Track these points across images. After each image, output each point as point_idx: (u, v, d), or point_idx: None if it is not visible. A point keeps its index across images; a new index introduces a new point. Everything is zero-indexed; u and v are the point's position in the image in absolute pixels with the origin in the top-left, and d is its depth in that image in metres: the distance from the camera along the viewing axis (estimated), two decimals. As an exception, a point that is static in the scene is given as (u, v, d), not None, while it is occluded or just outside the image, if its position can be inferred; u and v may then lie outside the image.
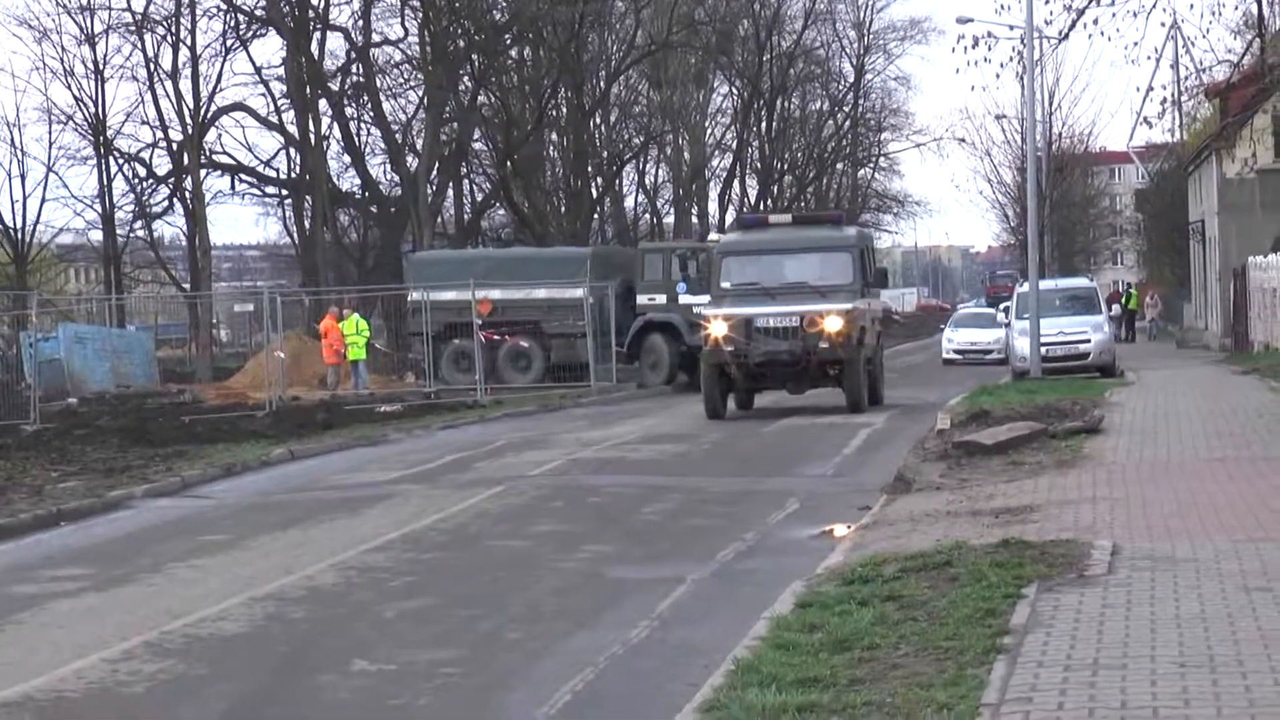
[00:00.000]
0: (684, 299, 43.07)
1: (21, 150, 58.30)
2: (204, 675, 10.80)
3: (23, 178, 58.11)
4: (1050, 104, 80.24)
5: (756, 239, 33.20)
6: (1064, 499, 15.93)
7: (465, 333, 41.86)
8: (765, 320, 30.79)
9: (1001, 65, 29.34)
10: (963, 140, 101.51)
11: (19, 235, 56.96)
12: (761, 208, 79.98)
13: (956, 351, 54.22)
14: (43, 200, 58.15)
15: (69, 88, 58.63)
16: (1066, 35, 28.84)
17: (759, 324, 30.78)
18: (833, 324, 30.48)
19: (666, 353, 44.00)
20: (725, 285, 31.81)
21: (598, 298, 42.88)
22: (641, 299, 44.38)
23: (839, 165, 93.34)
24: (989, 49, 28.07)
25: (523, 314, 44.03)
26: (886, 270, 37.33)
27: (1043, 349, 37.38)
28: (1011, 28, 35.94)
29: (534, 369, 44.19)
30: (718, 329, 30.71)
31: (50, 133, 58.88)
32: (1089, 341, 40.65)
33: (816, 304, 30.81)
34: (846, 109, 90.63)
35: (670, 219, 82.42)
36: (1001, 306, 57.20)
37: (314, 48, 58.90)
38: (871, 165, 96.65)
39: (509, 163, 61.69)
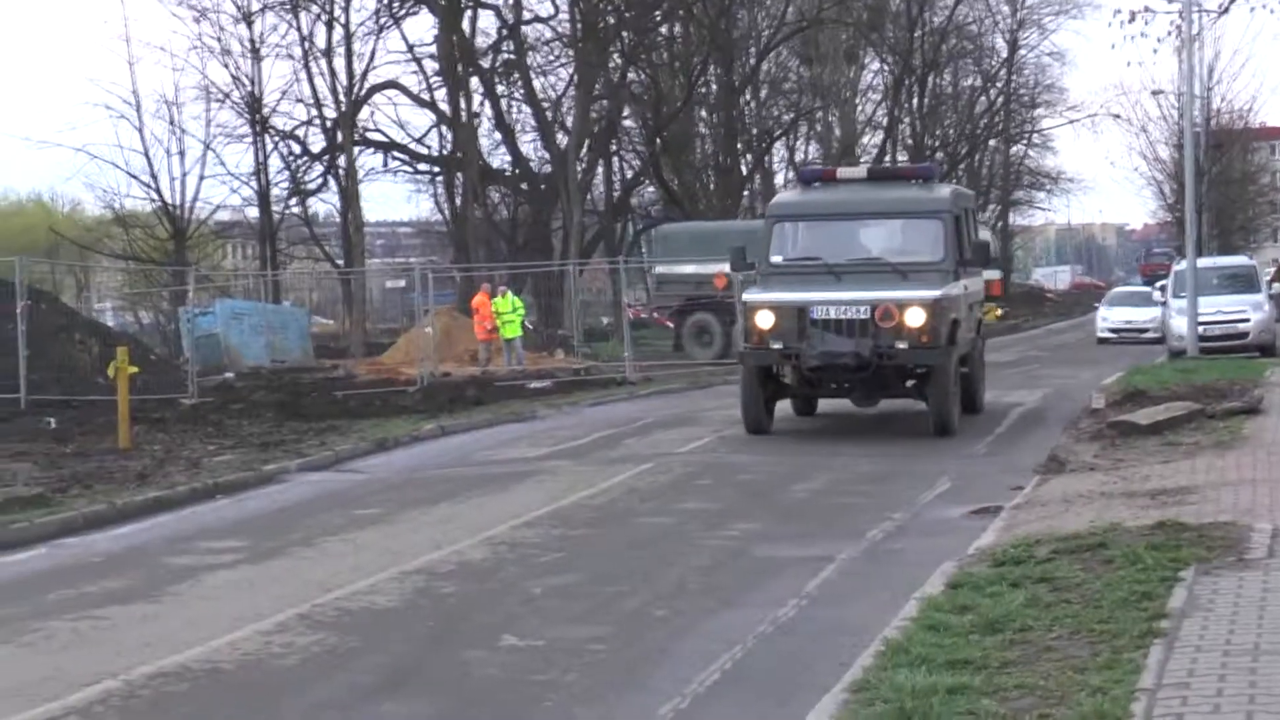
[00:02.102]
0: None
1: (180, 128, 58.98)
2: (355, 648, 10.88)
3: (181, 155, 58.82)
4: (1209, 79, 78.89)
5: (818, 199, 24.80)
6: (1222, 480, 15.66)
7: (705, 307, 42.90)
8: (824, 310, 22.62)
9: (1159, 40, 28.98)
10: (1118, 116, 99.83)
11: (178, 212, 57.69)
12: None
13: (1111, 330, 53.54)
14: (201, 177, 58.83)
15: (226, 67, 59.33)
16: (1226, 9, 28.45)
17: (816, 314, 22.66)
18: (914, 317, 22.33)
19: None
20: (776, 260, 23.97)
21: None
22: None
23: (991, 142, 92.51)
24: (1146, 23, 27.69)
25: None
26: (989, 244, 27.05)
27: (1200, 328, 36.80)
28: (1170, 0, 35.34)
29: (715, 344, 44.06)
30: (762, 320, 22.99)
31: (208, 111, 59.53)
32: (1248, 320, 39.98)
33: (894, 289, 22.81)
34: (999, 85, 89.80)
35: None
36: (1158, 285, 56.34)
37: (466, 25, 59.16)
38: (1024, 142, 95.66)
39: (659, 139, 61.66)
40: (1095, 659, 9.08)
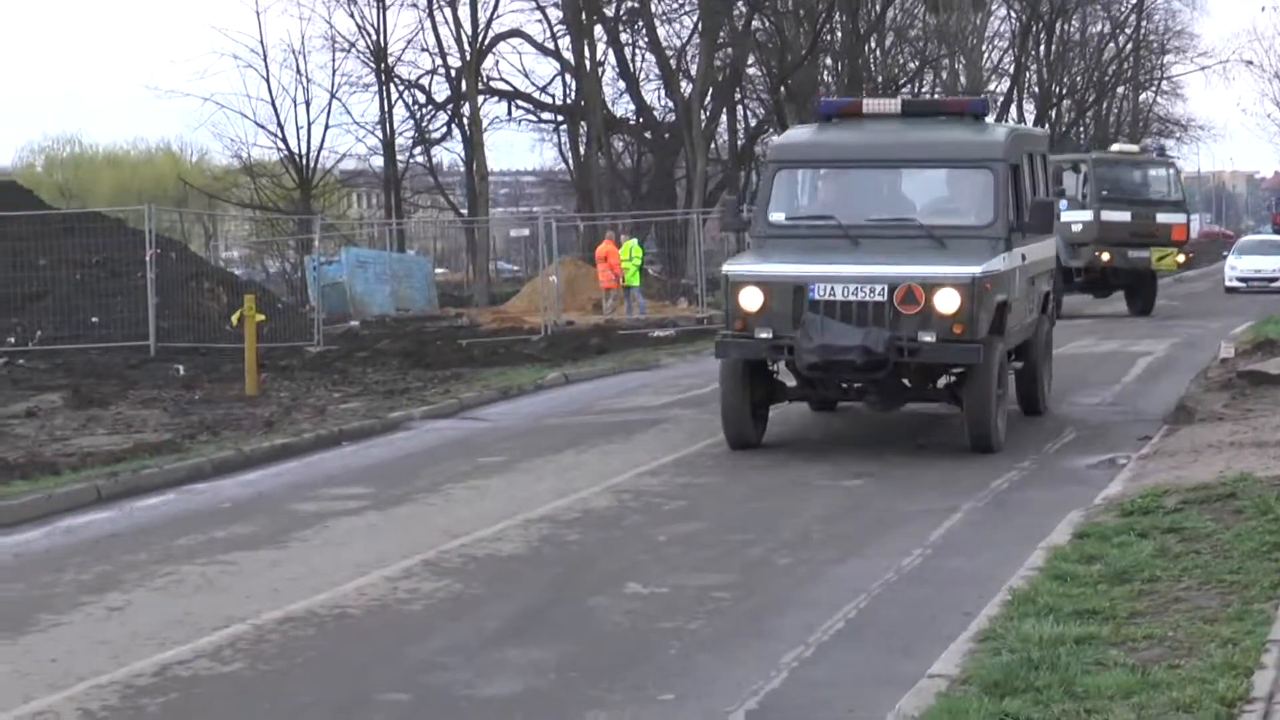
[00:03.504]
0: (1065, 215, 39.00)
1: (306, 78, 59.47)
2: (480, 595, 10.94)
3: (308, 104, 59.22)
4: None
5: (836, 140, 18.48)
6: (1355, 431, 15.41)
7: None
8: (827, 288, 16.50)
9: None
10: (1250, 63, 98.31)
11: (304, 161, 58.12)
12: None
13: (1240, 280, 52.79)
14: (326, 127, 59.15)
15: (351, 16, 59.62)
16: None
17: (816, 294, 16.52)
18: (946, 301, 16.26)
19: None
20: (776, 219, 17.81)
21: None
22: None
23: (1119, 89, 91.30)
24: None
25: None
26: (1054, 203, 19.99)
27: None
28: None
29: None
30: (748, 300, 16.80)
31: (334, 60, 60.03)
32: None
33: (923, 263, 16.58)
34: (1128, 31, 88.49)
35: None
36: None
37: (589, -26, 59.07)
38: (1154, 89, 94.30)
39: (783, 88, 61.36)
40: (1225, 610, 9.00)
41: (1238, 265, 54.12)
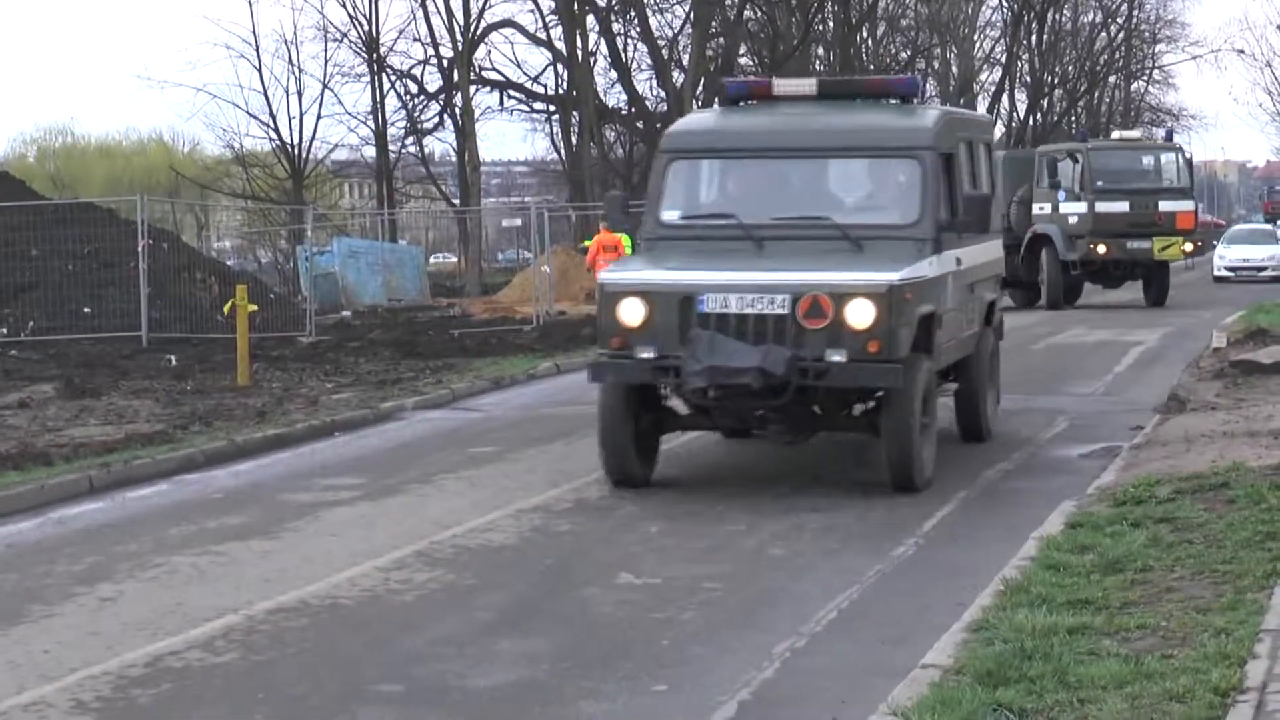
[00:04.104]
0: (1062, 207, 39.04)
1: (298, 68, 59.36)
2: (473, 585, 10.94)
3: (300, 95, 59.19)
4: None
5: (740, 126, 16.04)
6: (1347, 421, 15.43)
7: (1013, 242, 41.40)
8: (719, 300, 13.90)
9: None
10: (1242, 51, 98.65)
11: (296, 151, 58.07)
12: (1031, 124, 78.45)
13: (1228, 269, 52.68)
14: (318, 117, 59.20)
15: (344, 6, 59.48)
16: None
17: (706, 306, 13.93)
18: (859, 314, 13.61)
19: (1050, 271, 39.02)
20: (668, 217, 15.23)
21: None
22: (1036, 208, 39.73)
23: (1111, 79, 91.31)
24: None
25: None
26: (989, 197, 16.52)
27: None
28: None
29: None
30: (627, 313, 14.11)
31: (326, 50, 59.87)
32: None
33: (834, 268, 13.99)
34: (1120, 20, 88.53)
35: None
36: None
37: (581, -37, 59.04)
38: (1145, 78, 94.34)
39: (774, 77, 61.37)
40: (1218, 600, 9.01)
41: (1226, 254, 54.15)
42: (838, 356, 13.50)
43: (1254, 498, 11.59)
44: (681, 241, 14.94)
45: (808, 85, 16.43)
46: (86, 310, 30.84)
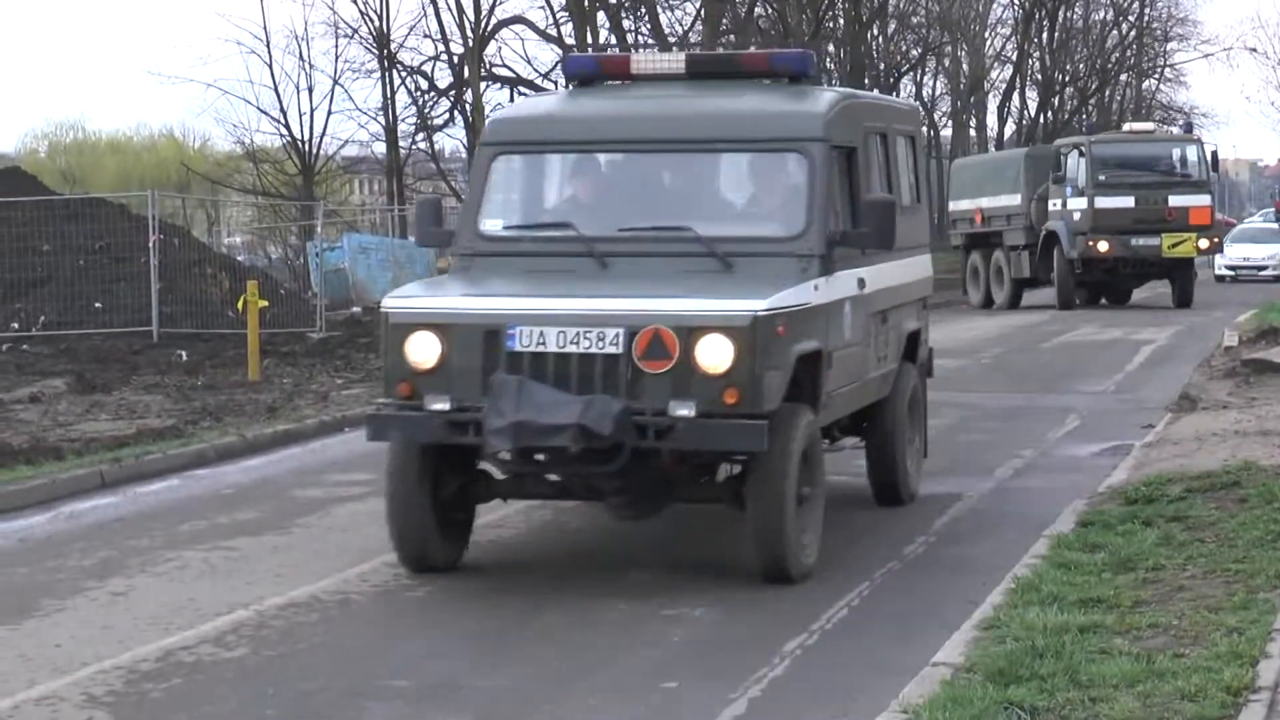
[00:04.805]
0: (1070, 203, 37.88)
1: (309, 64, 59.23)
2: (484, 581, 10.93)
3: (310, 91, 59.04)
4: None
5: (584, 112, 12.68)
6: (1358, 420, 15.42)
7: (981, 243, 40.97)
8: (534, 334, 10.53)
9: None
10: (1254, 50, 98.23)
11: (306, 147, 58.04)
12: (1042, 123, 78.40)
13: (1228, 267, 51.78)
14: (329, 113, 59.05)
15: (355, 2, 59.43)
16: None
17: (517, 343, 10.53)
18: (712, 354, 10.24)
19: (1059, 269, 38.02)
20: (488, 228, 11.95)
21: (1028, 206, 39.19)
22: (1050, 205, 38.82)
23: (1122, 77, 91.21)
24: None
25: (992, 225, 41.00)
26: (893, 202, 11.88)
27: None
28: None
29: (981, 287, 41.51)
30: (418, 350, 10.73)
31: (336, 46, 59.77)
32: None
33: (684, 295, 10.65)
34: (1132, 18, 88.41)
35: (948, 132, 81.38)
36: None
37: (592, -41, 59.04)
38: (1157, 76, 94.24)
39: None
40: (1230, 599, 9.00)
41: (1227, 253, 53.79)
42: (684, 410, 10.08)
43: (1266, 497, 11.58)
44: (504, 259, 11.56)
45: (674, 61, 12.91)
46: (97, 305, 30.85)
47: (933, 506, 13.26)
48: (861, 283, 11.99)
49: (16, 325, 30.02)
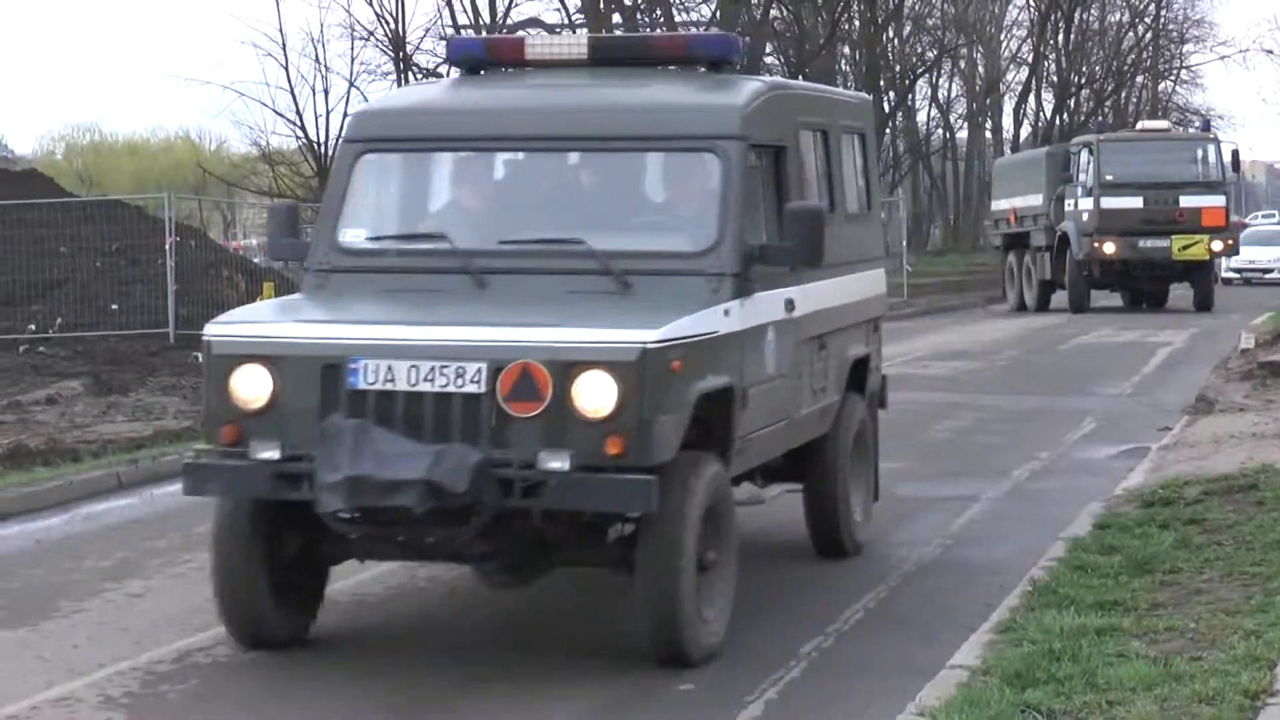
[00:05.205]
0: (1080, 203, 37.23)
1: (325, 66, 59.37)
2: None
3: (326, 93, 59.12)
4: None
5: (466, 104, 10.64)
6: (1376, 422, 15.39)
7: (1016, 243, 40.44)
8: (381, 370, 8.69)
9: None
10: (1270, 52, 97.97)
11: (322, 149, 58.12)
12: (1058, 125, 78.31)
13: (1233, 270, 51.02)
14: (345, 115, 59.14)
15: (370, 4, 59.57)
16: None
17: (360, 379, 8.70)
18: (592, 394, 8.45)
19: (1070, 272, 37.33)
20: (349, 240, 10.04)
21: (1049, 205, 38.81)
22: (1067, 205, 38.03)
23: (1139, 79, 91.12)
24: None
25: (1024, 225, 40.62)
26: (820, 210, 10.05)
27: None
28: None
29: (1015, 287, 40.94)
30: (245, 385, 8.88)
31: (352, 48, 59.85)
32: None
33: (562, 323, 8.78)
34: (1148, 20, 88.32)
35: (963, 134, 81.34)
36: None
37: (607, -39, 59.10)
38: (1173, 78, 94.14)
39: (800, 76, 61.35)
40: (1247, 602, 8.99)
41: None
42: (557, 462, 8.41)
43: (1283, 499, 11.57)
44: (365, 276, 9.81)
45: (575, 45, 10.90)
46: (114, 307, 30.90)
47: (949, 509, 13.26)
48: (790, 304, 10.17)
49: (34, 327, 30.06)
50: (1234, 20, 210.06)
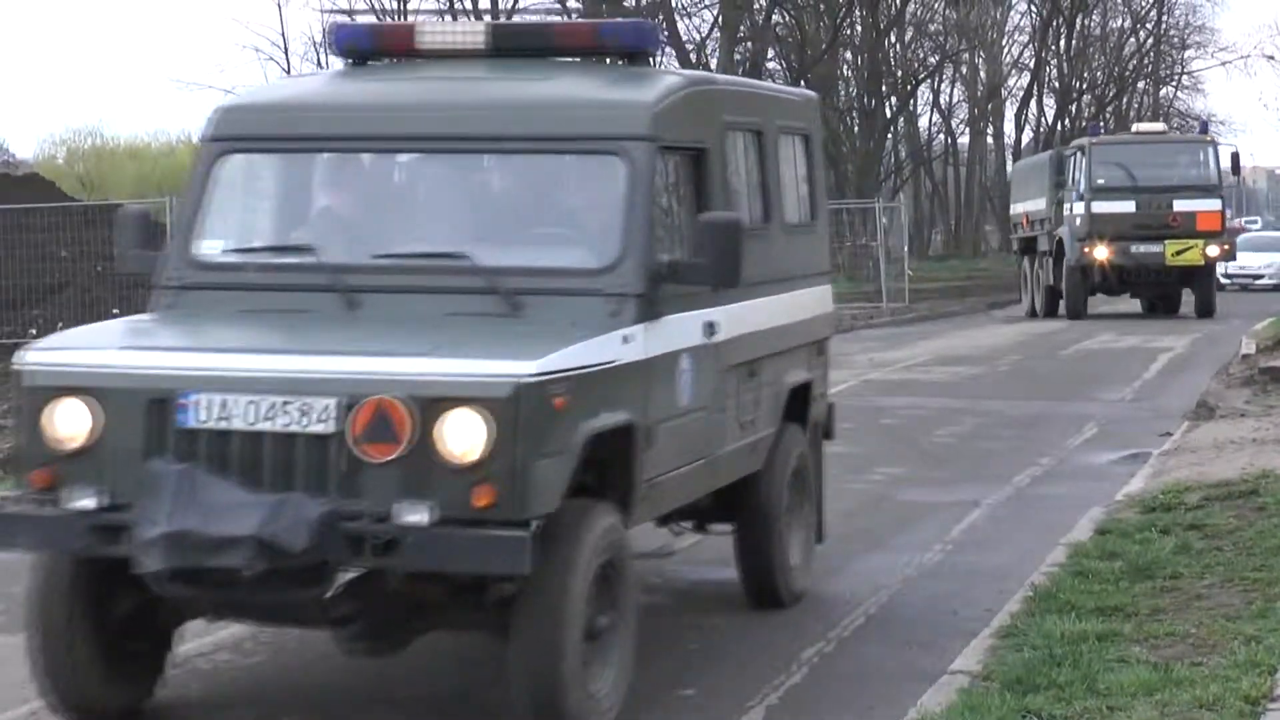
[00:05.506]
0: (1075, 207, 36.56)
1: (327, 67, 59.53)
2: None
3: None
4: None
5: (345, 98, 9.32)
6: (1377, 428, 15.40)
7: (1029, 248, 40.11)
8: (214, 404, 7.42)
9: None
10: (1271, 58, 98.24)
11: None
12: (1059, 130, 78.34)
13: (1224, 275, 50.68)
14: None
15: (372, 8, 59.71)
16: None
17: (194, 417, 7.43)
18: (458, 435, 7.22)
19: (1068, 278, 36.64)
20: (204, 252, 8.73)
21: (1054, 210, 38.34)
22: (1065, 210, 37.54)
23: (1140, 84, 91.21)
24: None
25: (1034, 229, 40.31)
26: (735, 222, 8.44)
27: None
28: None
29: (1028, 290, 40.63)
30: (63, 424, 7.56)
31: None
32: None
33: (427, 352, 7.50)
34: (1149, 26, 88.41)
35: (965, 139, 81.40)
36: None
37: (610, -34, 59.13)
38: (1174, 84, 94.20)
39: (802, 82, 61.39)
40: (1248, 607, 8.99)
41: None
42: (416, 515, 7.19)
43: (1284, 505, 11.57)
44: (221, 293, 8.51)
45: (472, 33, 9.47)
46: (115, 311, 30.84)
47: (950, 513, 13.25)
48: (711, 328, 8.89)
49: (34, 331, 30.06)
50: (1235, 26, 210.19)
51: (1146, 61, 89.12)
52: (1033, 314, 39.20)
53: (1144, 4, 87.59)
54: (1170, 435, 16.81)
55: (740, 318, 9.29)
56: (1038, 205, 39.77)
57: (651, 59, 9.58)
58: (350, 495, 7.25)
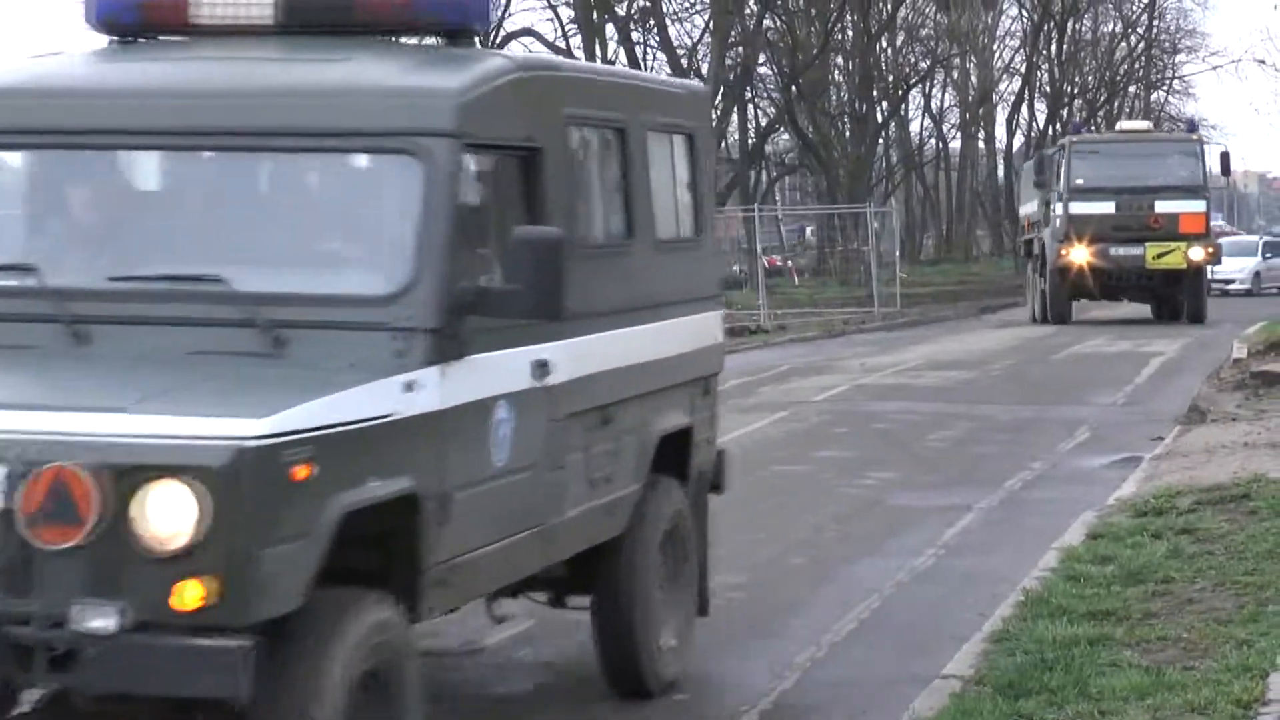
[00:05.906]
0: (1055, 208, 35.67)
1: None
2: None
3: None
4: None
5: (94, 83, 7.35)
6: (1368, 432, 15.42)
7: (1030, 250, 39.49)
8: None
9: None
10: (1262, 62, 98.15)
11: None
12: (1051, 134, 78.43)
13: None
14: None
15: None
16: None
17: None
18: (162, 518, 5.53)
19: (1050, 282, 35.76)
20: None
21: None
22: (1050, 211, 36.61)
23: (1131, 89, 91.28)
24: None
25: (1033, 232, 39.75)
26: (560, 238, 6.69)
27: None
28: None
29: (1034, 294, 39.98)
30: None
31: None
32: None
33: (138, 407, 5.76)
34: (1140, 30, 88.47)
35: (956, 144, 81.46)
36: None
37: (601, -28, 59.16)
38: (1165, 88, 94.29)
39: (794, 87, 61.39)
40: (1240, 611, 9.00)
41: None
42: (102, 620, 5.53)
43: (1275, 509, 11.57)
44: None
45: (259, 7, 7.61)
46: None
47: (942, 518, 13.25)
48: (542, 368, 7.23)
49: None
50: (1226, 30, 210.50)
51: (1137, 66, 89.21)
52: (1034, 319, 37.96)
53: (1135, 8, 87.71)
54: (1162, 439, 16.83)
55: (585, 354, 7.59)
56: (1031, 207, 39.72)
57: (477, 38, 8.05)
58: (18, 593, 5.62)
